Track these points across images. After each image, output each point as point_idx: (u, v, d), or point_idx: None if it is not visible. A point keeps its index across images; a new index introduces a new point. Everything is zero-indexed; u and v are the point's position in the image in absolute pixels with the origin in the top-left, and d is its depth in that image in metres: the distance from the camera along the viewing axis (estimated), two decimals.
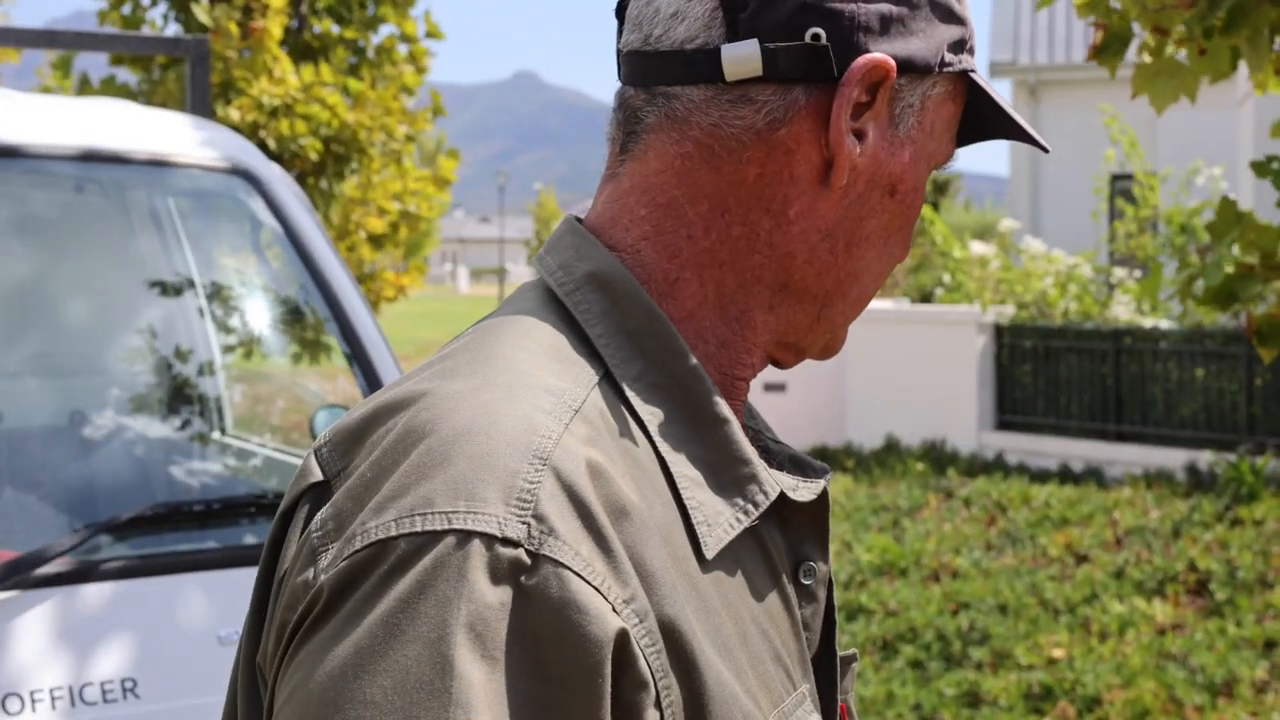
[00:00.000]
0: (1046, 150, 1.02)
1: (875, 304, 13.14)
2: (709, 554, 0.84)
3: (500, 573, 0.73)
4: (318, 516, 0.81)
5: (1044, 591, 7.53)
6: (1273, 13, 3.08)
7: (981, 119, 0.99)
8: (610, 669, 0.74)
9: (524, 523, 0.75)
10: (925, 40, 0.92)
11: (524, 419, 0.79)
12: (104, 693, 2.47)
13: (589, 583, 0.75)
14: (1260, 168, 3.40)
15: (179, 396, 3.20)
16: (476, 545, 0.74)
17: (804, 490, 0.92)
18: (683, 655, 0.79)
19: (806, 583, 0.94)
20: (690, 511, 0.84)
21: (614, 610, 0.75)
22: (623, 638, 0.75)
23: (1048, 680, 6.39)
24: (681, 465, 0.86)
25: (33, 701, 2.40)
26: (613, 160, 0.97)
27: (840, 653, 1.05)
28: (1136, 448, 10.07)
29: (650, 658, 0.77)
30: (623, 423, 0.85)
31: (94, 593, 2.56)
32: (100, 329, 3.21)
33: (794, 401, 11.57)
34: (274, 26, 7.81)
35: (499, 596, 0.73)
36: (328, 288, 3.05)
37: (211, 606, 2.62)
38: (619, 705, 0.75)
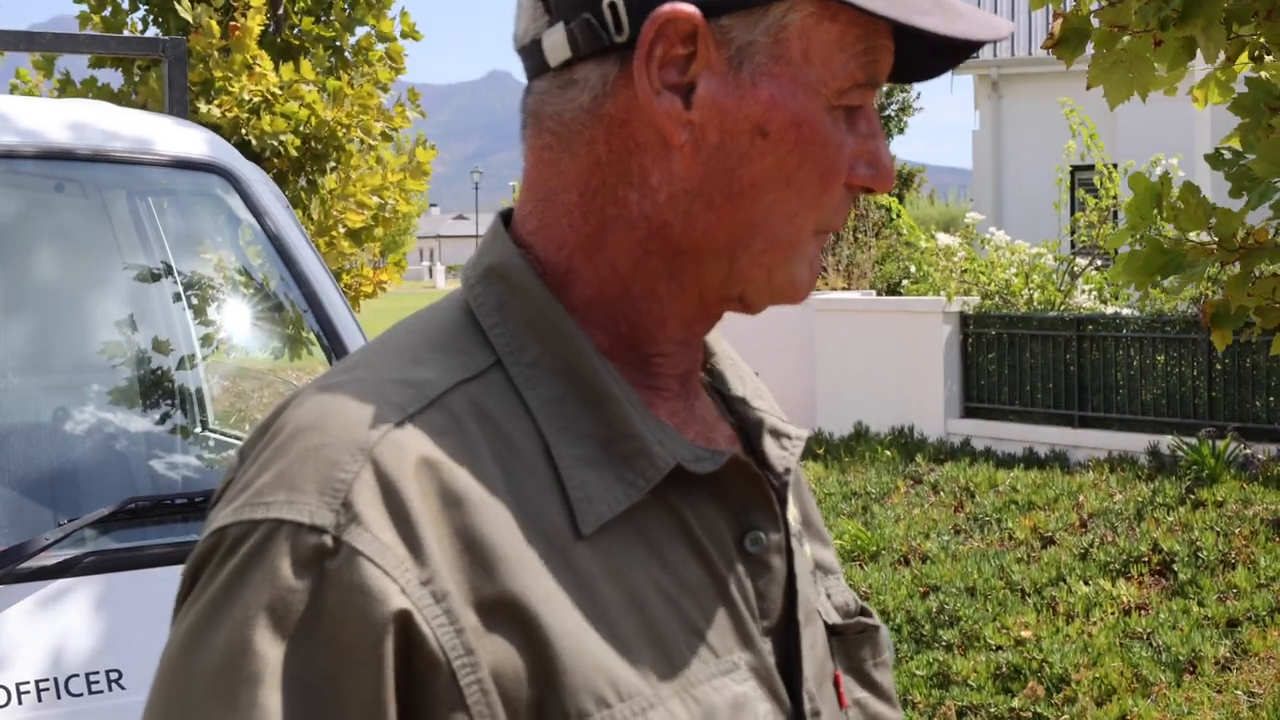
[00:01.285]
0: (980, 43, 0.92)
1: (843, 295, 13.23)
2: (586, 529, 0.85)
3: (304, 558, 0.78)
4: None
5: (1011, 574, 7.62)
6: (1224, 2, 3.17)
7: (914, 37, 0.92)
8: (392, 647, 0.77)
9: (333, 511, 0.79)
10: None
11: (363, 413, 0.83)
12: (89, 684, 2.49)
13: (379, 566, 0.78)
14: (1214, 159, 3.48)
15: (160, 392, 3.22)
16: (287, 532, 0.79)
17: (706, 463, 0.91)
18: (527, 628, 0.81)
19: (753, 550, 0.93)
20: (569, 490, 0.86)
21: (402, 591, 0.78)
22: (404, 618, 0.78)
23: (1016, 660, 6.48)
24: (566, 445, 0.88)
25: (18, 693, 2.42)
26: None
27: (866, 619, 1.07)
28: (1100, 432, 10.19)
29: (443, 637, 0.79)
30: (501, 408, 0.87)
31: (78, 586, 2.57)
32: (81, 326, 3.24)
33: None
34: (253, 25, 7.82)
35: (301, 580, 0.78)
36: (306, 283, 3.08)
37: None
38: (412, 682, 0.79)
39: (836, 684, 1.02)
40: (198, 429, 3.35)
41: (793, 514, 1.02)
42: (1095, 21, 3.25)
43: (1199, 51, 3.28)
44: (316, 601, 0.78)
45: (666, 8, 0.87)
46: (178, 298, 3.31)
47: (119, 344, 3.14)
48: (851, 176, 0.93)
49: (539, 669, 0.81)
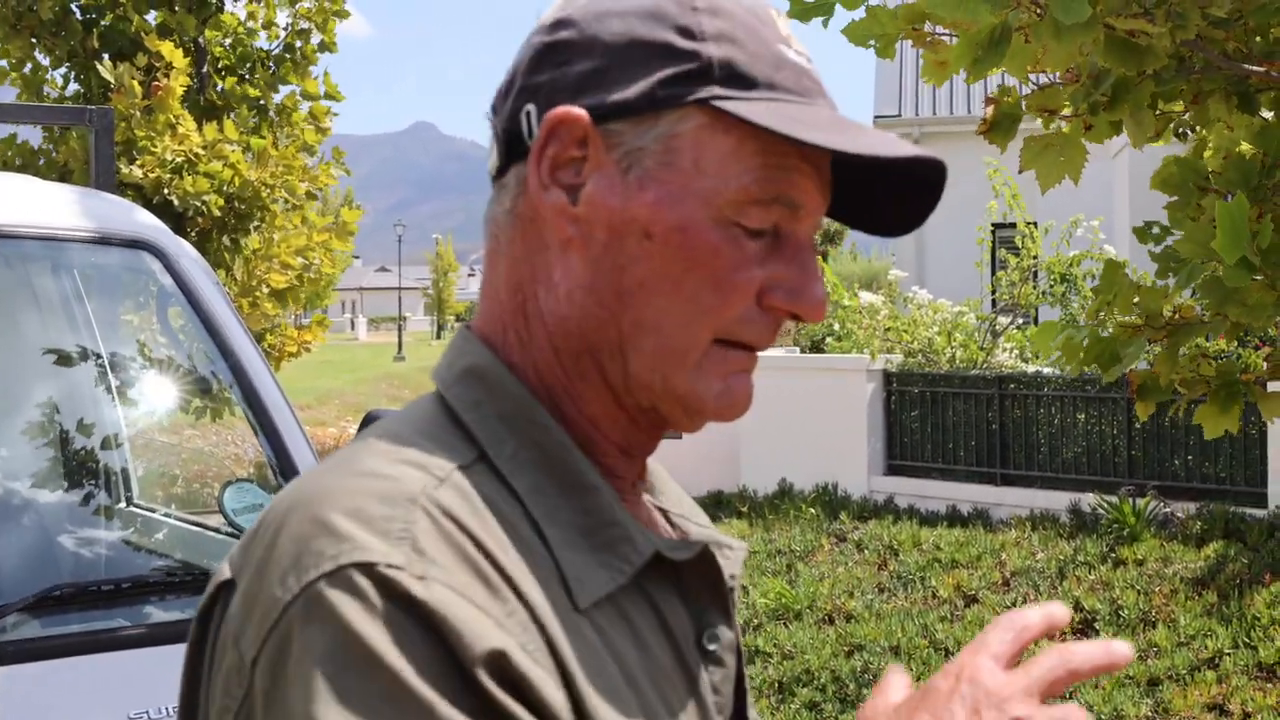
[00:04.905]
0: (888, 158, 0.91)
1: (767, 352, 13.26)
2: (581, 604, 0.88)
3: (390, 593, 0.79)
4: (231, 605, 0.86)
5: (935, 633, 7.67)
6: (1153, 87, 3.24)
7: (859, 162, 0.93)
8: (494, 682, 0.78)
9: (403, 553, 0.80)
10: (627, 85, 0.91)
11: (394, 478, 0.85)
12: None
13: (470, 600, 0.80)
14: (1141, 233, 3.55)
15: (85, 470, 3.15)
16: (363, 578, 0.79)
17: (682, 551, 0.95)
18: (568, 684, 0.83)
19: (711, 648, 0.97)
20: (563, 568, 0.88)
21: (498, 625, 0.80)
22: (501, 653, 0.79)
23: None
24: (554, 530, 0.90)
25: None
26: None
27: None
28: (1022, 490, 10.30)
29: (531, 671, 0.81)
30: (496, 494, 0.89)
31: (3, 675, 2.51)
32: (4, 405, 3.17)
33: (689, 447, 11.65)
34: (176, 85, 7.76)
35: (390, 618, 0.78)
36: (233, 357, 3.06)
37: (122, 686, 2.59)
38: (504, 706, 0.79)
39: None
40: (122, 505, 3.28)
41: None
42: (1024, 106, 3.31)
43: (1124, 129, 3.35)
44: (406, 637, 0.78)
45: (559, 110, 0.92)
46: (104, 372, 3.24)
47: (44, 422, 3.07)
48: (770, 298, 0.94)
49: (577, 714, 0.83)
